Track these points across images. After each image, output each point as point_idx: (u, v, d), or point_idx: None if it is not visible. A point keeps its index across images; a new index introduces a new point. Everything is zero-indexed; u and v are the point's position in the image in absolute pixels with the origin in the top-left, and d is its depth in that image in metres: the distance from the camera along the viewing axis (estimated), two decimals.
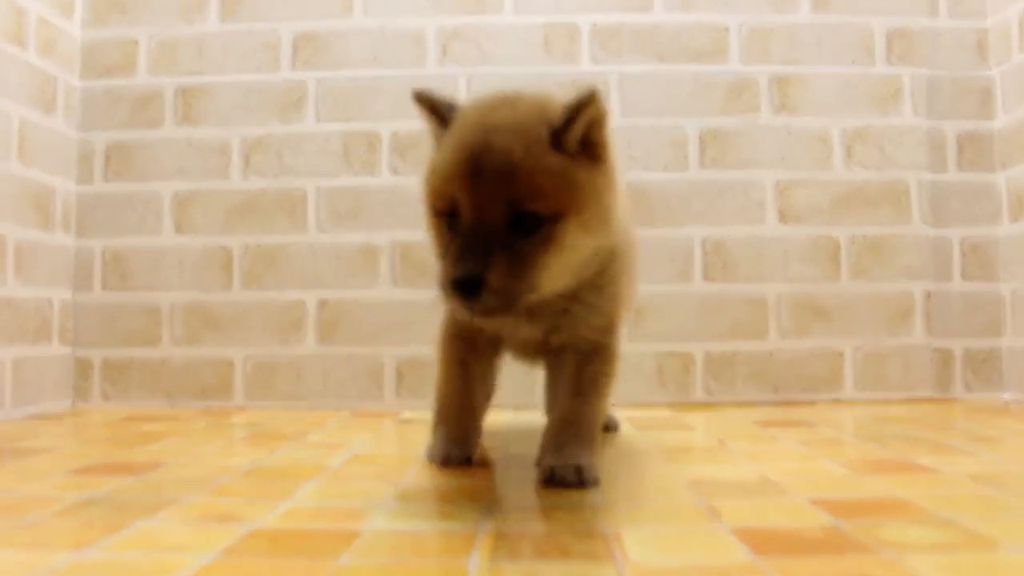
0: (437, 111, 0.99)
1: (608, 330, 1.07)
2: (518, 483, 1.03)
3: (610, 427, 1.49)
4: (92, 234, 1.98)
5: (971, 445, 1.27)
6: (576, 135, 0.91)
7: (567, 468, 0.99)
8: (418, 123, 1.93)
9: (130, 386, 1.95)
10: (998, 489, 0.94)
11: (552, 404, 1.12)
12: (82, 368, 1.96)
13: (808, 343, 1.94)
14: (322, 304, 1.94)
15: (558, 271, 0.92)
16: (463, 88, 1.96)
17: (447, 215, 0.92)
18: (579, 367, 1.06)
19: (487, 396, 1.19)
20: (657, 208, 1.94)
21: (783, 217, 1.96)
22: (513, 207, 0.87)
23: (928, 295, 1.96)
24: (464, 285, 0.86)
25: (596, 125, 0.92)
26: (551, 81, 1.94)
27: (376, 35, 1.99)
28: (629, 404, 1.87)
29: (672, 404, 1.91)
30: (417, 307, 1.92)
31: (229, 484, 1.02)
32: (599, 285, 1.03)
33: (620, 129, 1.95)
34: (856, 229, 1.96)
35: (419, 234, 1.88)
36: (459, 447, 1.13)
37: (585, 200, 0.91)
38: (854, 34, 2.00)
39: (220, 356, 1.94)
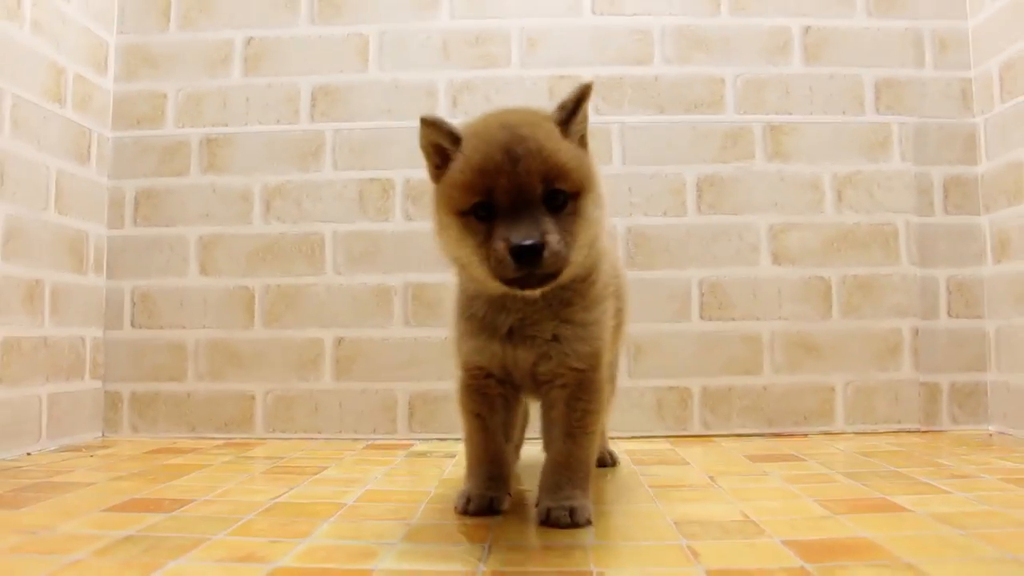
0: (449, 129, 1.07)
1: (593, 361, 1.14)
2: (519, 522, 1.12)
3: (607, 462, 1.58)
4: (122, 275, 2.10)
5: (947, 482, 1.35)
6: (581, 123, 1.08)
7: (561, 510, 1.07)
8: None
9: (157, 418, 2.06)
10: (963, 531, 1.03)
11: (548, 442, 1.19)
12: (112, 401, 2.07)
13: (801, 378, 2.03)
14: (338, 342, 2.05)
15: (584, 242, 1.05)
16: None
17: (476, 210, 1.02)
18: (568, 406, 1.14)
19: (512, 442, 1.26)
20: (657, 251, 2.05)
21: (776, 259, 2.05)
22: (547, 186, 1.00)
23: (916, 332, 2.05)
24: (528, 249, 0.96)
25: (584, 122, 1.08)
26: None
27: (390, 88, 2.11)
28: (629, 436, 1.96)
29: (671, 436, 2.00)
30: (428, 344, 2.03)
31: (252, 522, 1.12)
32: (587, 306, 1.13)
33: (621, 176, 2.06)
34: (847, 270, 2.06)
35: (430, 276, 1.99)
36: (483, 499, 1.16)
37: (593, 179, 1.05)
38: (844, 84, 2.10)
39: (242, 390, 2.05)
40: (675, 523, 1.10)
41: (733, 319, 2.04)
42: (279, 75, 2.12)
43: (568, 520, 1.07)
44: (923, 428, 2.03)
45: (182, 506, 1.23)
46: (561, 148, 1.03)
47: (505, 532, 1.07)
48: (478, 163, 1.01)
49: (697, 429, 2.02)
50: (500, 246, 0.98)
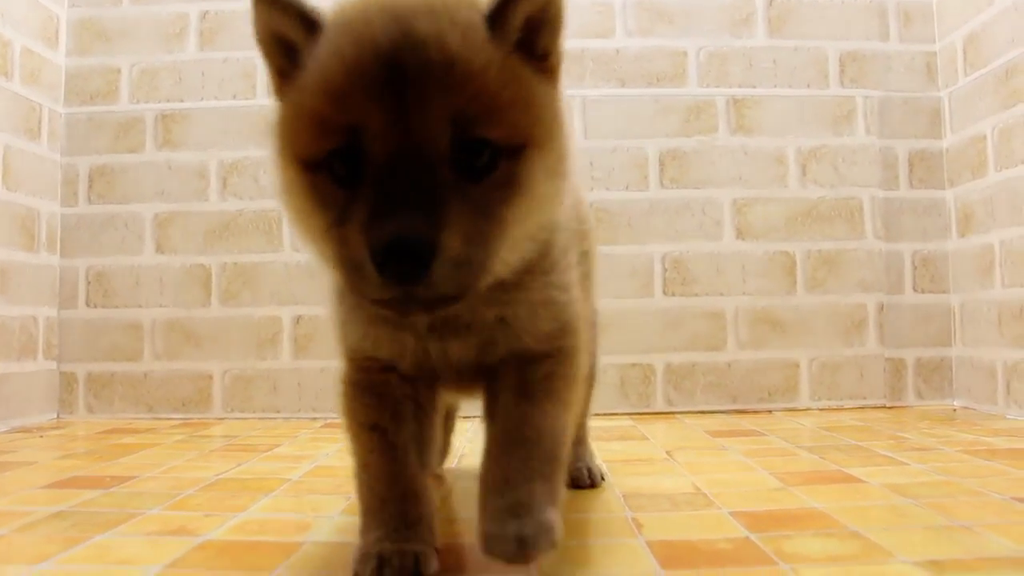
0: (299, 10, 0.65)
1: (563, 332, 0.77)
2: (463, 494, 1.10)
3: (584, 481, 1.14)
4: (76, 254, 2.06)
5: (902, 454, 1.35)
6: (548, 35, 0.64)
7: (505, 540, 0.65)
8: None
9: (113, 399, 2.02)
10: (912, 499, 1.01)
11: (491, 414, 0.77)
12: (67, 382, 2.03)
13: (765, 354, 2.01)
14: (297, 319, 2.02)
15: (522, 234, 0.65)
16: None
17: (330, 163, 0.61)
18: (523, 369, 0.75)
19: (428, 467, 0.82)
20: (619, 226, 2.02)
21: (740, 234, 2.04)
22: (460, 132, 0.58)
23: (881, 307, 2.04)
24: (400, 255, 0.55)
25: (549, 24, 0.64)
26: None
27: None
28: (592, 414, 1.94)
29: (633, 414, 1.98)
30: None
31: (191, 497, 1.09)
32: (543, 272, 0.74)
33: (583, 151, 2.03)
34: (811, 244, 2.04)
35: None
36: (404, 557, 0.72)
37: (552, 127, 0.64)
38: (808, 57, 2.08)
39: (199, 370, 2.02)
40: (623, 496, 1.08)
41: (696, 295, 2.02)
42: (235, 49, 2.08)
43: (514, 550, 0.65)
44: (888, 404, 2.02)
45: (122, 483, 1.20)
46: (491, 64, 0.59)
47: (451, 505, 1.05)
48: (338, 80, 0.59)
49: (660, 406, 2.00)
50: (355, 240, 0.58)
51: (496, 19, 0.61)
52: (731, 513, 0.97)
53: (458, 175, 0.58)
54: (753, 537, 0.86)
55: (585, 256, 0.88)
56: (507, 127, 0.59)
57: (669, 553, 0.81)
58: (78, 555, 0.83)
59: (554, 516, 0.67)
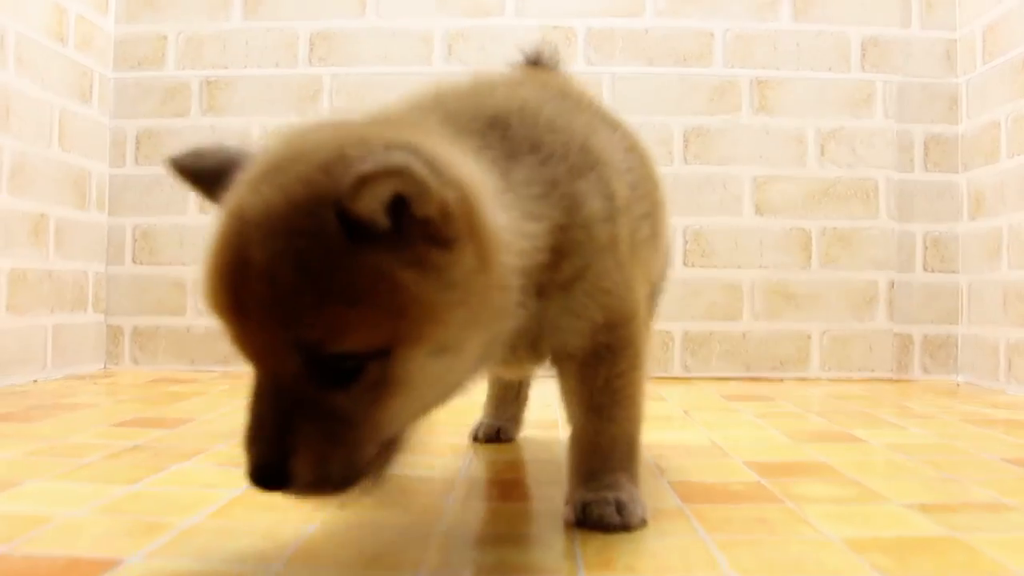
0: (198, 179, 0.65)
1: (617, 323, 0.78)
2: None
3: None
4: (124, 213, 2.16)
5: (905, 420, 1.44)
6: (375, 216, 0.54)
7: (606, 504, 0.76)
8: None
9: (157, 351, 2.13)
10: (909, 456, 1.11)
11: (569, 416, 0.83)
12: (113, 334, 2.14)
13: (779, 325, 2.10)
14: None
15: (410, 414, 0.62)
16: None
17: None
18: (584, 374, 0.79)
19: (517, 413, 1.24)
20: None
21: (759, 210, 2.12)
22: (310, 353, 0.55)
23: (892, 284, 2.12)
24: (261, 482, 0.57)
25: (416, 199, 0.54)
26: None
27: (387, 35, 2.15)
28: None
29: (651, 378, 2.07)
30: None
31: None
32: (577, 278, 0.74)
33: None
34: (827, 222, 2.12)
35: None
36: (487, 426, 1.22)
37: (431, 316, 0.57)
38: (831, 42, 2.15)
39: None
40: (645, 445, 1.17)
41: (715, 267, 2.11)
42: (278, 19, 2.16)
43: (616, 519, 0.75)
44: (895, 377, 2.11)
45: (183, 424, 1.30)
46: (333, 281, 0.53)
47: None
48: (204, 285, 0.58)
49: (677, 371, 2.09)
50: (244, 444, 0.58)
51: (347, 214, 0.53)
52: (744, 463, 1.06)
53: (323, 385, 0.56)
54: (764, 481, 0.96)
55: (647, 217, 0.84)
56: (363, 338, 0.55)
57: (687, 491, 0.91)
58: (163, 479, 0.93)
59: (641, 497, 0.78)
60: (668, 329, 2.09)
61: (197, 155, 0.64)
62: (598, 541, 0.72)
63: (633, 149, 0.86)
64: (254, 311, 0.54)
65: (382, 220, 0.54)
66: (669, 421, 1.42)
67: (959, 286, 2.13)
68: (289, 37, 2.16)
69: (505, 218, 0.64)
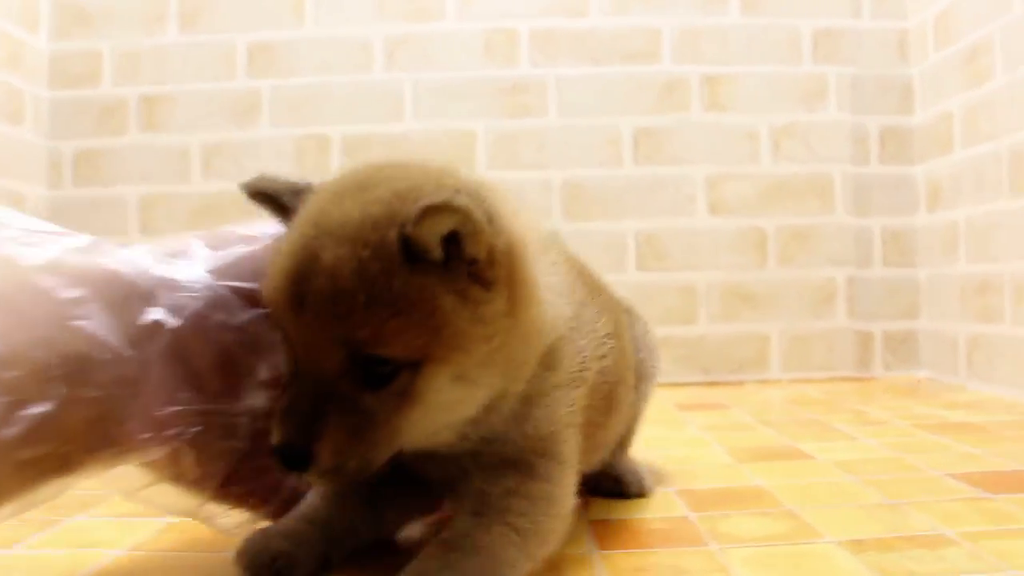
0: (274, 202, 0.71)
1: (540, 448, 0.74)
2: None
3: (623, 488, 1.04)
4: None
5: (858, 429, 1.40)
6: (431, 244, 0.61)
7: None
8: (368, 126, 2.07)
9: None
10: (855, 476, 1.07)
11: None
12: None
13: (736, 327, 2.07)
14: None
15: (423, 430, 0.67)
16: (409, 92, 2.08)
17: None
18: (484, 480, 0.72)
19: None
20: (593, 203, 2.07)
21: (713, 209, 2.08)
22: (353, 351, 0.61)
23: (850, 280, 2.09)
24: (285, 459, 0.63)
25: (469, 238, 0.61)
26: (492, 85, 2.06)
27: (326, 43, 2.10)
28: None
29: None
30: None
31: None
32: (525, 409, 0.73)
33: (558, 129, 2.07)
34: (782, 219, 2.09)
35: None
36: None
37: (459, 342, 0.63)
38: (781, 34, 2.11)
39: None
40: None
41: (669, 270, 2.07)
42: (215, 32, 2.10)
43: None
44: (857, 375, 2.08)
45: None
46: (385, 290, 0.60)
47: None
48: (268, 287, 0.65)
49: None
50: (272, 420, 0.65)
51: (408, 237, 0.61)
52: (677, 491, 1.02)
53: (357, 385, 0.62)
54: (692, 516, 0.91)
55: (609, 395, 0.86)
56: (401, 346, 0.61)
57: (605, 533, 0.86)
58: (47, 539, 0.89)
59: None
60: None
61: (269, 179, 0.71)
62: None
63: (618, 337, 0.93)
64: (311, 306, 0.61)
65: (436, 250, 0.61)
66: None
67: (918, 280, 2.10)
68: (227, 49, 2.11)
69: (544, 282, 0.72)
